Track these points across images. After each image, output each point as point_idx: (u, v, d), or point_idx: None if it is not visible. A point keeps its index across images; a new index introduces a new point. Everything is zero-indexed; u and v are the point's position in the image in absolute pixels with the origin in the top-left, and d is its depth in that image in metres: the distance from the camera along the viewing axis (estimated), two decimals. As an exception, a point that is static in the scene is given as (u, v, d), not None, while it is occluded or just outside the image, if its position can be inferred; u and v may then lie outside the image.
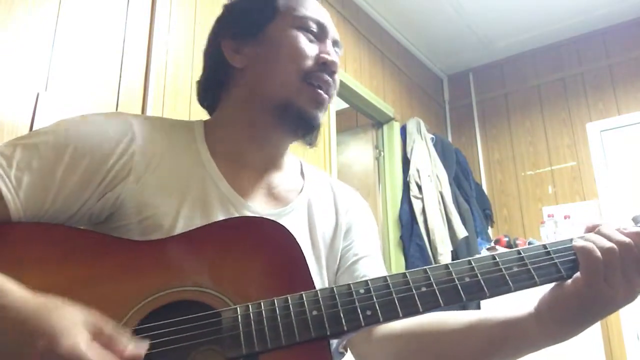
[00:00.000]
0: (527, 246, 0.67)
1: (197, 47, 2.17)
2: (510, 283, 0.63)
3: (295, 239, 0.67)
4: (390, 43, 3.86)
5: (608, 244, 0.62)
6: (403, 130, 3.66)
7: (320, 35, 0.83)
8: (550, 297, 0.66)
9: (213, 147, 0.81)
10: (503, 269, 0.64)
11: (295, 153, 0.93)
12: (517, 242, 3.48)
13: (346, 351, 0.84)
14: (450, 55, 4.27)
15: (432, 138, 3.74)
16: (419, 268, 0.65)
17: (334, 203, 0.90)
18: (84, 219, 0.72)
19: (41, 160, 0.67)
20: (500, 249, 3.32)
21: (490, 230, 3.88)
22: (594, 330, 3.00)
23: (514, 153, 4.09)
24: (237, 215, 0.76)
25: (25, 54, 1.59)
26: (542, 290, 0.67)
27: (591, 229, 0.66)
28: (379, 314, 0.61)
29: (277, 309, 0.61)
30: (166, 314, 0.61)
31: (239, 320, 0.60)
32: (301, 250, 0.66)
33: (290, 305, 0.61)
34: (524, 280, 0.63)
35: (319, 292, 0.62)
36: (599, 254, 0.62)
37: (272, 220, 0.69)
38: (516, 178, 4.03)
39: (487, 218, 3.88)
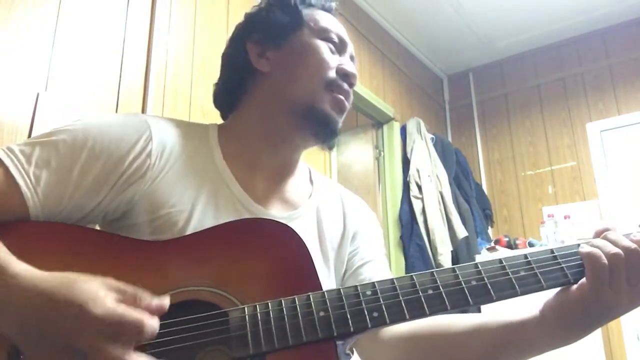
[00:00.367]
0: (533, 250, 0.67)
1: (197, 47, 2.17)
2: (517, 287, 0.63)
3: (303, 241, 0.68)
4: (390, 43, 3.86)
5: (614, 250, 0.63)
6: (403, 130, 3.66)
7: (340, 48, 0.87)
8: (556, 302, 0.66)
9: (227, 150, 0.82)
10: (510, 273, 0.64)
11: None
12: (517, 242, 3.48)
13: (353, 353, 0.84)
14: (450, 55, 4.27)
15: (432, 138, 3.74)
16: (426, 271, 0.65)
17: (342, 209, 0.92)
18: (98, 218, 0.73)
19: (59, 159, 0.68)
20: (500, 249, 3.32)
21: (490, 230, 3.88)
22: (594, 331, 2.99)
23: (514, 153, 4.09)
24: (248, 217, 0.77)
25: (25, 54, 1.59)
26: (543, 294, 0.67)
27: (599, 234, 0.67)
28: (386, 315, 0.61)
29: (284, 309, 0.61)
30: (174, 313, 0.60)
31: (247, 320, 0.60)
32: (309, 253, 0.67)
33: (298, 306, 0.61)
34: (530, 284, 0.64)
35: (326, 293, 0.63)
36: (605, 260, 0.62)
37: (281, 223, 0.70)
38: (516, 178, 4.03)
39: (487, 218, 3.89)
